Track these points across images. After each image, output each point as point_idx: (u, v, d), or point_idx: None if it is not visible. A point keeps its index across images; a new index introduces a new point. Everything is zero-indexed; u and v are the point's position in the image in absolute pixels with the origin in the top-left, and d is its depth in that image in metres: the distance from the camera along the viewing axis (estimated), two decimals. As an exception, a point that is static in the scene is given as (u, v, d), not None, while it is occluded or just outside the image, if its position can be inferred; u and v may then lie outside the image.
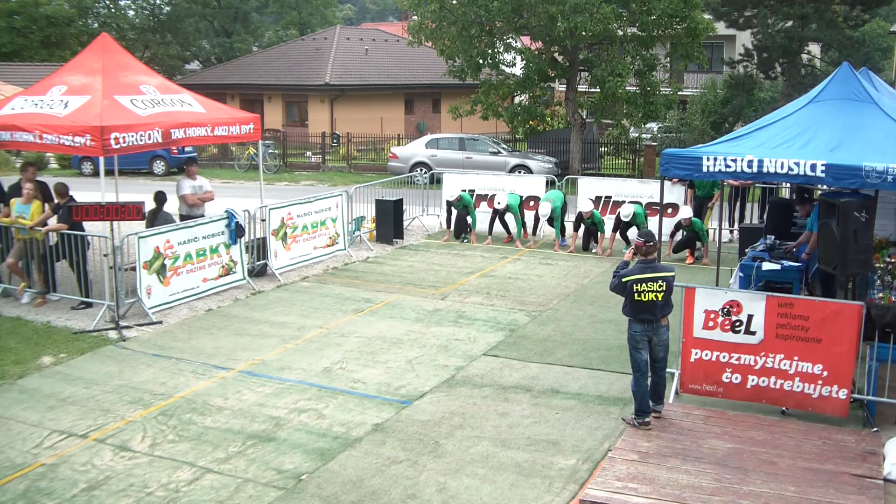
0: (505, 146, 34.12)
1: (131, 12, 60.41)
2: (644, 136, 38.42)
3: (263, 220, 16.63)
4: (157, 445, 9.44)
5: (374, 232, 20.12)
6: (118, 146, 13.70)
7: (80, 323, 13.68)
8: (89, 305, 14.31)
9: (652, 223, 17.52)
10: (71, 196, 14.86)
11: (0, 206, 15.60)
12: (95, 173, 19.92)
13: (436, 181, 24.01)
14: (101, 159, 14.09)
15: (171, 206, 16.71)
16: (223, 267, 15.48)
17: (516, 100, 35.25)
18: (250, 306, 14.80)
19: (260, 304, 14.90)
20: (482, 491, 8.34)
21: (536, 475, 8.65)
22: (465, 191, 20.91)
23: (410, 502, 8.16)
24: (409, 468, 8.82)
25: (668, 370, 10.14)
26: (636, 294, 9.34)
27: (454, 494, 8.28)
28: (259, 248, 16.69)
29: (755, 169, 10.16)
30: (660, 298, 9.39)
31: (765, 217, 16.50)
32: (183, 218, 16.31)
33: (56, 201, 14.88)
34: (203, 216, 16.09)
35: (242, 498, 8.29)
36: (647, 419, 9.53)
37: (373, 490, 8.38)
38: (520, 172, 29.83)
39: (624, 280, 9.41)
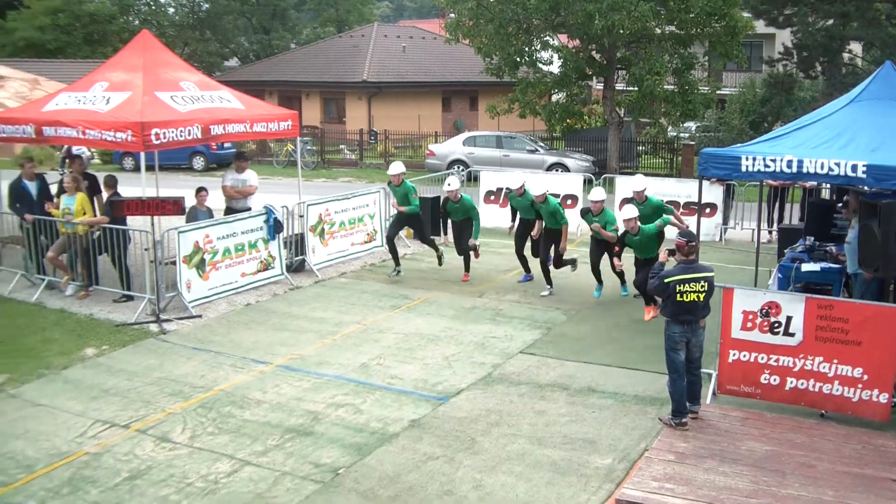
0: (542, 144, 34.06)
1: (171, 10, 60.97)
2: (682, 135, 38.19)
3: (301, 216, 16.76)
4: (197, 437, 9.57)
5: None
6: (158, 142, 13.87)
7: (122, 316, 13.87)
8: (130, 298, 14.49)
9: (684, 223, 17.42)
10: (116, 190, 15.06)
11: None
12: (136, 168, 20.20)
13: (473, 179, 24.03)
14: (142, 155, 14.28)
15: (216, 201, 16.90)
16: (261, 262, 15.61)
17: (553, 98, 35.17)
18: (288, 301, 14.92)
19: (298, 300, 15.01)
20: (518, 488, 8.38)
21: (573, 474, 8.67)
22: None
23: (447, 498, 8.21)
24: (445, 464, 8.88)
25: (705, 371, 10.14)
26: (678, 295, 9.30)
27: (490, 491, 8.33)
28: (297, 244, 16.81)
29: (794, 169, 10.09)
30: (701, 299, 9.36)
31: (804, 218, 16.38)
32: (226, 210, 16.49)
33: (104, 193, 15.11)
34: (248, 209, 16.20)
35: (280, 491, 8.39)
36: (683, 419, 9.50)
37: (409, 485, 8.43)
38: (557, 171, 29.79)
39: (666, 281, 9.37)
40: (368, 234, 18.51)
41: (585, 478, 8.58)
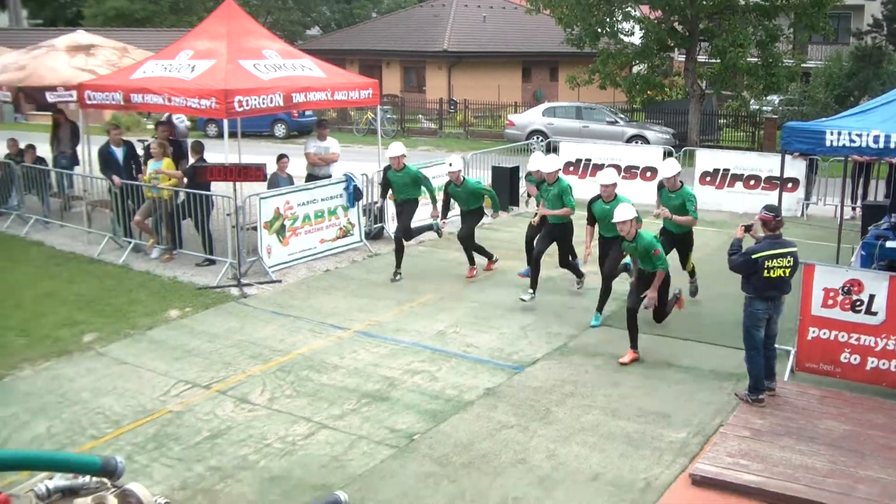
0: (622, 116, 33.75)
1: (255, -22, 61.48)
2: (765, 108, 37.48)
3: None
4: (276, 400, 9.78)
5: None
6: (241, 109, 14.11)
7: (204, 279, 14.20)
8: (213, 262, 14.80)
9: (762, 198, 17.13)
10: (202, 156, 15.36)
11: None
12: (219, 135, 20.54)
13: (552, 149, 23.93)
14: (225, 122, 14.56)
15: (297, 168, 17.13)
16: (341, 229, 15.80)
17: (634, 69, 34.80)
18: (367, 268, 15.08)
19: (376, 267, 15.16)
20: (591, 459, 8.41)
21: (646, 447, 8.67)
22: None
23: (520, 467, 8.28)
24: (519, 433, 8.94)
25: (784, 347, 10.06)
26: (766, 271, 9.13)
27: (563, 461, 8.37)
28: (376, 212, 16.94)
29: (881, 144, 9.88)
30: (787, 275, 9.21)
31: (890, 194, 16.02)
32: (308, 177, 16.73)
33: (191, 158, 15.45)
34: (329, 177, 16.41)
35: (356, 454, 8.54)
36: (760, 396, 9.39)
37: (483, 453, 8.52)
38: (636, 142, 29.51)
39: (754, 257, 9.15)
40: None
41: (659, 451, 8.58)
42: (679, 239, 12.83)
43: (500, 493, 7.82)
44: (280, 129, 35.89)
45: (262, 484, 8.00)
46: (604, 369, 10.58)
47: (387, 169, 14.82)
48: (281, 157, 16.46)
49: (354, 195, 15.83)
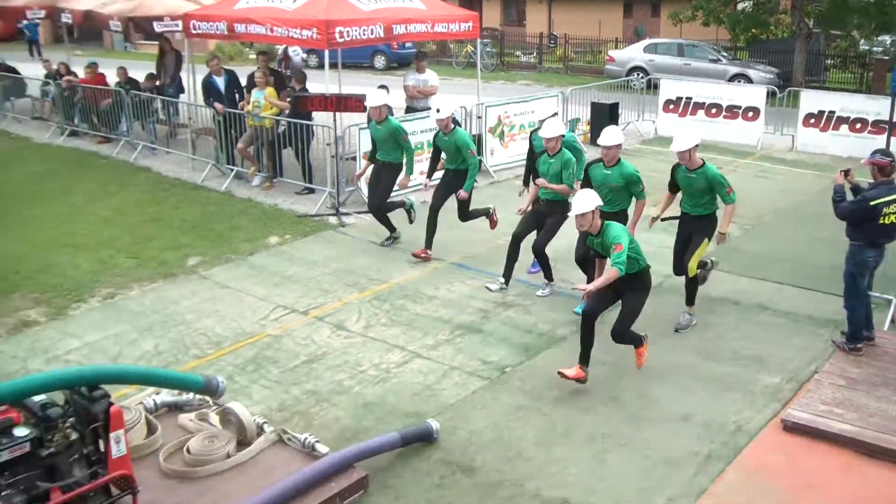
0: (725, 54, 32.94)
1: None
2: (875, 49, 36.12)
3: (480, 118, 16.85)
4: (371, 327, 10.01)
5: (588, 134, 19.95)
6: (342, 40, 14.23)
7: (304, 207, 14.46)
8: (312, 191, 15.06)
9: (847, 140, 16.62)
10: (305, 86, 15.55)
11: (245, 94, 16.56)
12: (320, 66, 20.71)
13: (652, 87, 23.55)
14: (326, 52, 14.66)
15: (395, 100, 17.20)
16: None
17: (739, 6, 33.82)
18: (462, 201, 15.14)
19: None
20: (682, 400, 8.41)
21: (738, 390, 8.63)
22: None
23: (611, 404, 8.34)
24: (610, 370, 8.97)
25: (885, 296, 9.88)
26: (882, 217, 8.77)
27: (654, 400, 8.41)
28: (476, 145, 16.93)
29: None
30: None
31: None
32: (407, 109, 16.81)
33: (296, 87, 15.65)
34: (427, 109, 16.45)
35: (448, 384, 8.70)
36: (859, 345, 9.24)
37: (574, 389, 8.57)
38: (739, 82, 28.82)
39: (872, 203, 8.75)
40: (545, 139, 18.50)
41: (751, 395, 8.53)
42: (697, 225, 10.16)
43: (589, 428, 7.91)
44: (380, 61, 36.06)
45: (356, 409, 8.22)
46: (698, 310, 10.45)
47: (369, 120, 13.52)
48: (380, 87, 16.52)
49: (452, 128, 15.83)
